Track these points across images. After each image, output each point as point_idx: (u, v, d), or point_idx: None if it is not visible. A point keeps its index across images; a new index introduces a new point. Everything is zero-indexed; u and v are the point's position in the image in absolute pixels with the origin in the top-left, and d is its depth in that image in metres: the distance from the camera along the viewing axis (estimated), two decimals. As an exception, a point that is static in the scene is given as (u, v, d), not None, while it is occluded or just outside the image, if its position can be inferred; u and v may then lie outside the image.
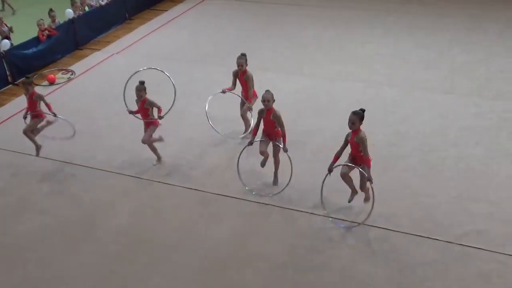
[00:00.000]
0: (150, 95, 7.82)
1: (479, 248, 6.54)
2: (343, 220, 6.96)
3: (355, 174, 6.84)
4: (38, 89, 10.82)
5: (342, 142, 6.72)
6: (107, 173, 8.12)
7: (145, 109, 7.89)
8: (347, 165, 6.69)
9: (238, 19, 14.17)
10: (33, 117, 8.02)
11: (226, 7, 15.00)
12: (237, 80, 8.46)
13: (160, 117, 7.90)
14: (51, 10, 12.42)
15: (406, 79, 10.68)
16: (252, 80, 8.38)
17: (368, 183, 6.71)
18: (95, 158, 8.45)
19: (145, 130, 8.01)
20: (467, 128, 8.95)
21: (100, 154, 8.53)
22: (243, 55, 8.33)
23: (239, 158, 7.48)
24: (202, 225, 7.10)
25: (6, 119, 9.37)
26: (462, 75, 10.75)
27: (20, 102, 9.51)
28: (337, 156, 6.70)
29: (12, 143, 8.81)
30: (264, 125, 7.34)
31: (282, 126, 7.15)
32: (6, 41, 11.33)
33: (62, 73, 11.65)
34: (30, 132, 8.06)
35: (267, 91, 7.17)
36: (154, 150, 8.16)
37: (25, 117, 8.05)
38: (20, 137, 8.13)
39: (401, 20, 13.48)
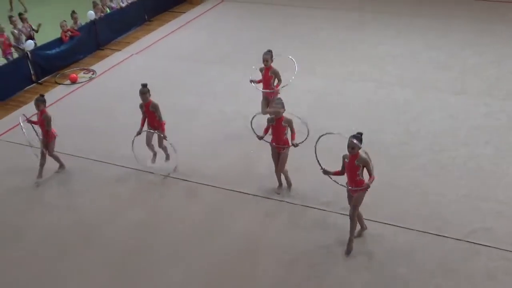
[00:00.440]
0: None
1: (487, 246, 6.63)
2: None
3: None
4: (60, 88, 11.33)
5: None
6: (125, 170, 8.41)
7: (151, 111, 7.82)
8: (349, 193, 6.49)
9: (254, 20, 14.41)
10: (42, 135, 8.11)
11: (242, 9, 15.24)
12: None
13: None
14: (73, 12, 12.71)
15: (417, 79, 10.80)
16: (279, 75, 8.49)
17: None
18: (114, 155, 8.73)
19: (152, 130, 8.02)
20: (477, 128, 9.05)
21: (119, 151, 8.77)
22: (269, 51, 8.45)
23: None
24: (215, 222, 7.31)
25: (31, 117, 9.68)
26: (473, 76, 10.85)
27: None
28: (339, 172, 6.49)
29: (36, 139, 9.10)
30: (273, 134, 7.32)
31: (293, 129, 7.17)
32: (30, 41, 11.63)
33: (84, 73, 11.99)
34: (51, 153, 8.20)
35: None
36: (164, 149, 8.29)
37: (29, 121, 8.22)
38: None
39: (413, 22, 13.60)
